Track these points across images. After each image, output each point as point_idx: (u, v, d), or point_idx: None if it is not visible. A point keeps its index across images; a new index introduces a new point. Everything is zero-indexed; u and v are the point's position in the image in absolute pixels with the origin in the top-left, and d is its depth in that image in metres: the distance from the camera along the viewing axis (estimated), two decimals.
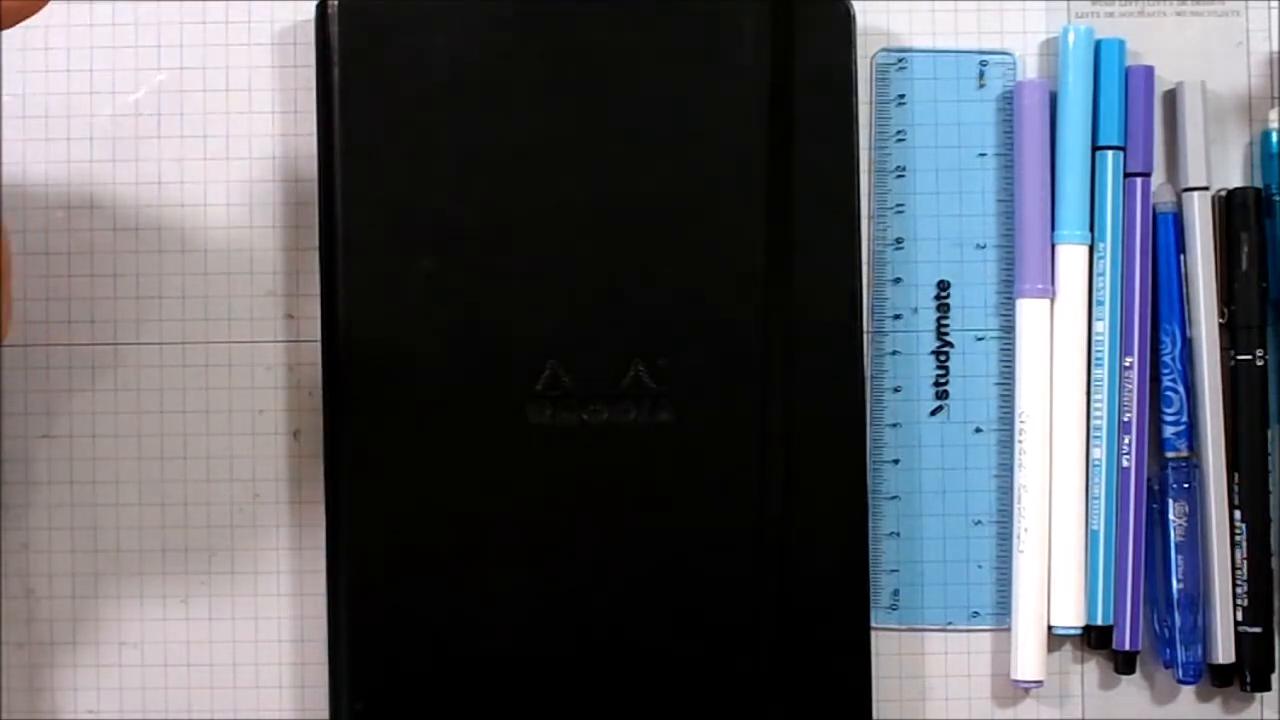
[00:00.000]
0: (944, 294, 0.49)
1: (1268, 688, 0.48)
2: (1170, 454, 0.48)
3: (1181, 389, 0.48)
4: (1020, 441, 0.48)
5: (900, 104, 0.49)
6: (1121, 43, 0.48)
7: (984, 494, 0.49)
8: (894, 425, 0.49)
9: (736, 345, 0.46)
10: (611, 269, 0.47)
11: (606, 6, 0.47)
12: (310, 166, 0.47)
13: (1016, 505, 0.48)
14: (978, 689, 0.49)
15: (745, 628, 0.46)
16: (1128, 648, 0.48)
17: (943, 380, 0.49)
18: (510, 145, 0.47)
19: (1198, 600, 0.48)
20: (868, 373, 0.48)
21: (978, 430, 0.49)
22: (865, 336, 0.48)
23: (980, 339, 0.49)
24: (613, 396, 0.46)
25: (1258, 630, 0.48)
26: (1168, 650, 0.48)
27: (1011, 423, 0.48)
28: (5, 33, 0.36)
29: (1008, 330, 0.49)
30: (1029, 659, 0.48)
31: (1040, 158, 0.48)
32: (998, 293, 0.49)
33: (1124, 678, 0.48)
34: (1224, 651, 0.48)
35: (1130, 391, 0.48)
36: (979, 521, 0.49)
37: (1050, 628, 0.48)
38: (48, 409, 0.48)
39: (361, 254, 0.46)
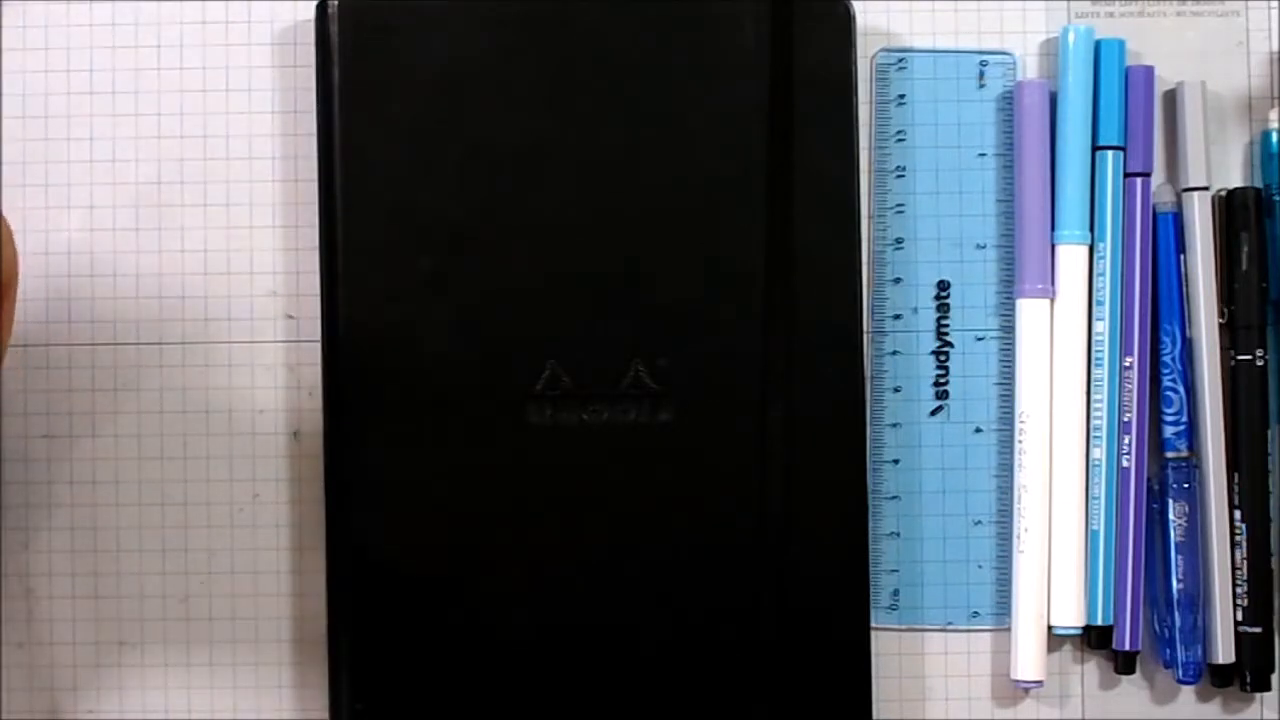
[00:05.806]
0: (944, 294, 0.49)
1: (1268, 688, 0.48)
2: (1170, 454, 0.48)
3: (1181, 389, 0.48)
4: (1020, 441, 0.48)
5: (900, 104, 0.49)
6: (1121, 43, 0.48)
7: (984, 494, 0.49)
8: (894, 425, 0.49)
9: (736, 345, 0.46)
10: (611, 269, 0.47)
11: (606, 7, 0.47)
12: (310, 166, 0.47)
13: (1016, 505, 0.48)
14: (978, 689, 0.49)
15: (745, 627, 0.46)
16: (1128, 648, 0.48)
17: (943, 380, 0.49)
18: (510, 145, 0.47)
19: (1198, 600, 0.48)
20: (868, 373, 0.48)
21: (978, 430, 0.49)
22: (865, 336, 0.48)
23: (980, 339, 0.49)
24: (613, 396, 0.46)
25: (1258, 630, 0.48)
26: (1168, 650, 0.48)
27: (1011, 423, 0.48)
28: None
29: (1008, 330, 0.49)
30: (1029, 659, 0.48)
31: (1040, 158, 0.48)
32: (998, 293, 0.49)
33: (1124, 678, 0.48)
34: (1224, 651, 0.48)
35: (1130, 391, 0.48)
36: (979, 521, 0.49)
37: (1050, 628, 0.48)
38: (48, 409, 0.48)
39: (361, 254, 0.46)
